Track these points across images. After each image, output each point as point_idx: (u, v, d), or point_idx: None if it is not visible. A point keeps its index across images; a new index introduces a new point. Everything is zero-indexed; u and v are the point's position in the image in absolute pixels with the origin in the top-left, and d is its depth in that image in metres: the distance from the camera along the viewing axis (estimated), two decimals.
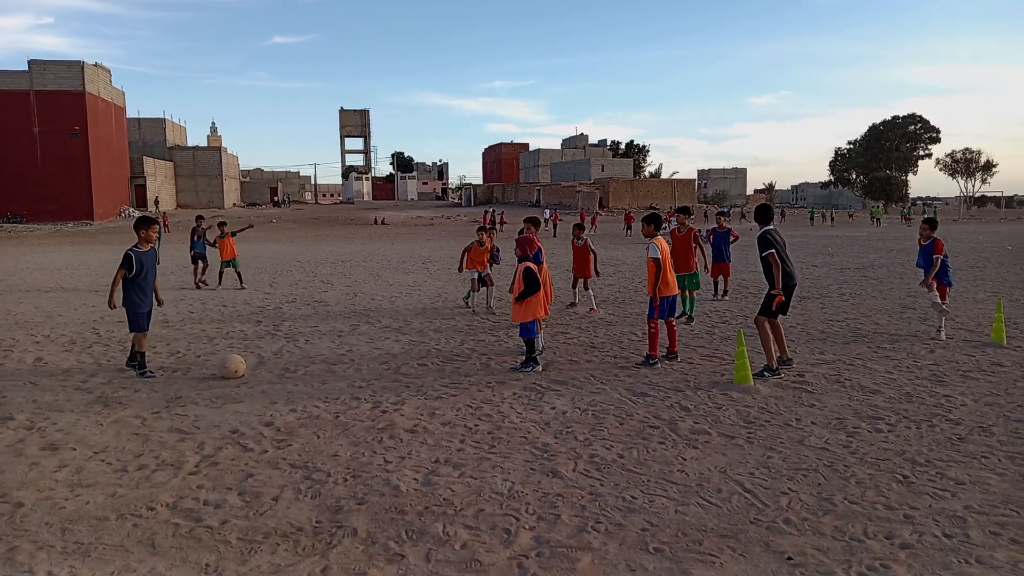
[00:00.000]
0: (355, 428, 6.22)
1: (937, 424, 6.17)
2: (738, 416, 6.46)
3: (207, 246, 17.30)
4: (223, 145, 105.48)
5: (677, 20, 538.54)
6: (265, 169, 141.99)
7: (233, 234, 16.87)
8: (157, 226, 8.26)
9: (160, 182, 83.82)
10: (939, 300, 9.96)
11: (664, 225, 9.56)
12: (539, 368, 8.18)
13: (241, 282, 16.63)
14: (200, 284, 16.93)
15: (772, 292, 7.70)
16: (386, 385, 7.66)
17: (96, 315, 12.72)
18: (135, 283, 8.01)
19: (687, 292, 11.59)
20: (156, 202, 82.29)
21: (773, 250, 7.64)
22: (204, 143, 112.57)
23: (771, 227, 7.93)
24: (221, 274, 16.77)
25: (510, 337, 10.26)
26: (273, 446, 5.78)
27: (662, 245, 8.44)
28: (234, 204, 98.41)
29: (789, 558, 3.89)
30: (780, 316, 7.91)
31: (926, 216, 10.97)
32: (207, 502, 4.70)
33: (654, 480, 5.02)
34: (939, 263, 9.89)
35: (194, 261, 17.29)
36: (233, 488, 4.93)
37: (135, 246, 8.09)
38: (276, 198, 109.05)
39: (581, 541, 4.12)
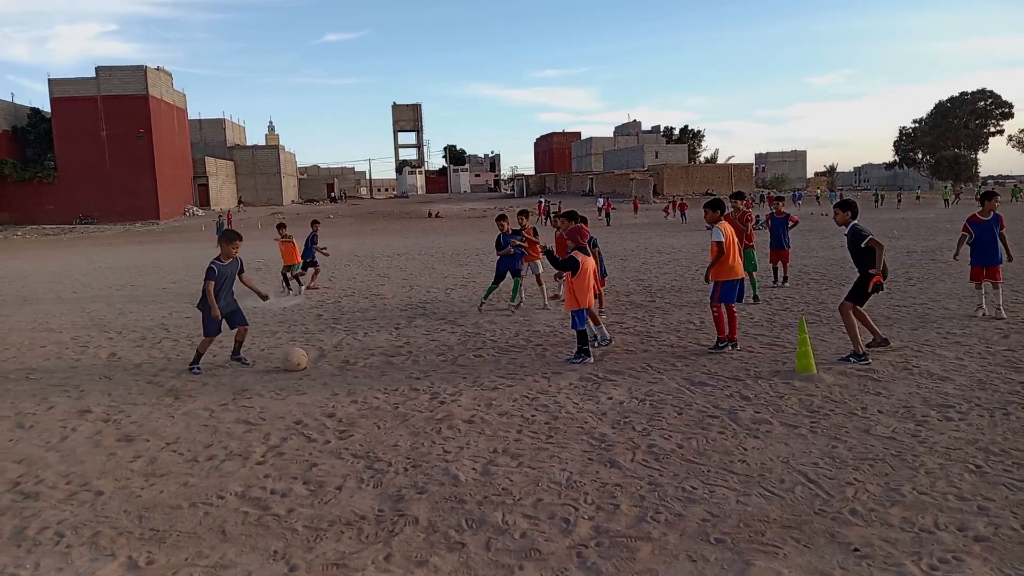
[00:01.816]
0: (414, 419, 6.32)
1: (1012, 412, 5.93)
2: (801, 405, 6.33)
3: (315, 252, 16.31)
4: (280, 143, 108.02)
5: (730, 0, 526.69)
6: (322, 166, 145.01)
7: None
8: (240, 243, 8.61)
9: (222, 181, 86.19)
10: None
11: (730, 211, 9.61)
12: (590, 360, 8.11)
13: (287, 287, 15.65)
14: (311, 288, 15.96)
15: (871, 272, 7.66)
16: (443, 376, 7.75)
17: (164, 311, 13.20)
18: (216, 291, 8.35)
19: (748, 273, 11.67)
20: (240, 201, 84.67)
21: (872, 235, 7.73)
22: (262, 142, 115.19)
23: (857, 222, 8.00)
24: (288, 279, 15.77)
25: (564, 327, 10.24)
26: (336, 436, 5.92)
27: (726, 229, 8.47)
28: (292, 201, 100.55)
29: (856, 549, 3.80)
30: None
31: (986, 191, 10.60)
32: (274, 491, 4.84)
33: (714, 470, 4.96)
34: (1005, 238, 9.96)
35: (304, 268, 15.94)
36: (298, 477, 5.07)
37: (217, 258, 8.40)
38: (333, 194, 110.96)
39: (641, 531, 4.11)
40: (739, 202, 12.46)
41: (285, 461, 5.41)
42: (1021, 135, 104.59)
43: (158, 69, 68.69)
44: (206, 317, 8.40)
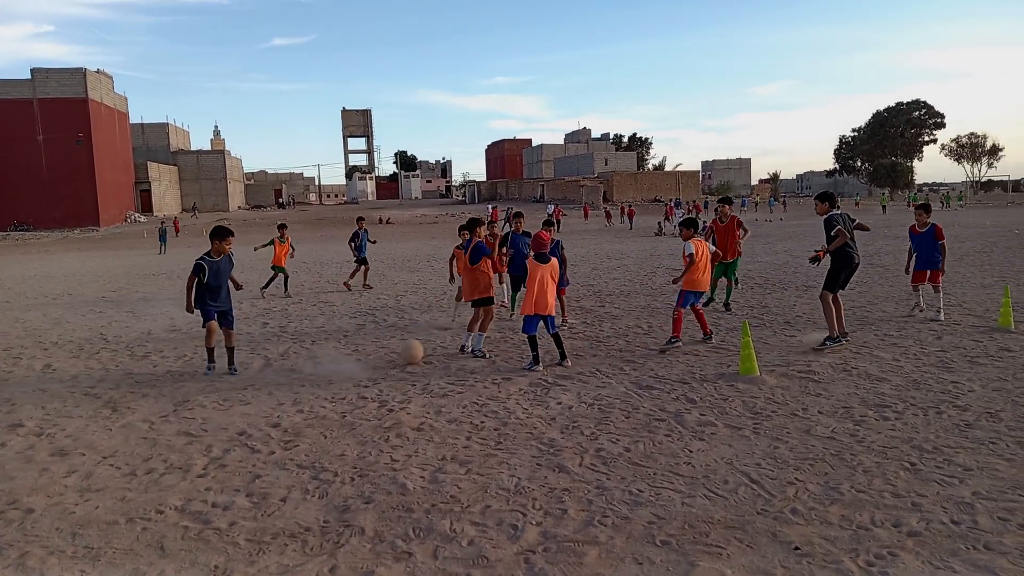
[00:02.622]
0: (362, 427, 6.24)
1: (944, 411, 6.15)
2: (744, 407, 6.45)
3: (368, 246, 16.51)
4: (226, 148, 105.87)
5: (676, 10, 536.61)
6: (269, 171, 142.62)
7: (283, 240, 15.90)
8: (232, 239, 8.42)
9: (165, 187, 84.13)
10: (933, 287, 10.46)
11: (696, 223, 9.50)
12: (539, 368, 8.09)
13: (266, 288, 15.69)
14: (366, 287, 16.14)
15: (816, 250, 8.58)
16: (392, 384, 7.68)
17: (103, 321, 12.79)
18: (207, 287, 8.17)
19: (727, 281, 11.90)
20: (194, 207, 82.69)
21: (841, 227, 8.44)
22: (208, 147, 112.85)
23: (838, 211, 8.70)
24: (273, 279, 15.76)
25: (515, 334, 10.26)
26: (280, 447, 5.80)
27: (698, 245, 8.95)
28: (239, 207, 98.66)
29: (796, 548, 3.89)
30: (839, 291, 8.65)
31: (920, 202, 11.15)
32: (215, 504, 4.72)
33: (660, 473, 5.02)
34: (945, 249, 10.35)
35: (359, 264, 16.25)
36: (241, 490, 4.95)
37: (207, 254, 8.20)
38: (281, 200, 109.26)
39: (588, 535, 4.13)
40: (727, 207, 11.96)
41: (227, 473, 5.28)
42: (952, 144, 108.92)
43: (98, 72, 66.67)
44: (202, 311, 8.26)
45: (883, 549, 3.85)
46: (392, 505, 4.61)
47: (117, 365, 9.09)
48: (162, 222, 44.75)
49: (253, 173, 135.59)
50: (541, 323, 8.15)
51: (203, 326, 8.42)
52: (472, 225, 9.81)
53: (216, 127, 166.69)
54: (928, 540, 3.93)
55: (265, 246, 16.81)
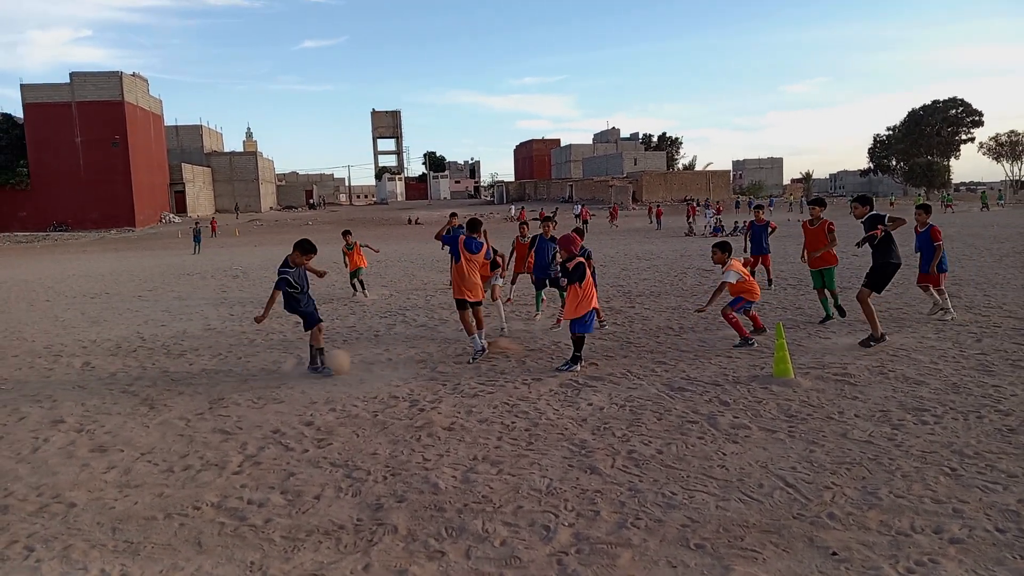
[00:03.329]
0: (394, 427, 6.27)
1: (986, 415, 6.01)
2: (779, 410, 6.37)
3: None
4: (258, 150, 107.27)
5: (704, 8, 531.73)
6: (300, 172, 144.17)
7: (363, 245, 15.87)
8: (314, 256, 8.40)
9: (199, 188, 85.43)
10: (937, 292, 10.34)
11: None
12: (578, 368, 8.07)
13: (364, 290, 15.30)
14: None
15: (871, 233, 8.51)
16: (423, 384, 7.71)
17: (140, 320, 13.03)
18: (295, 297, 8.33)
19: (825, 293, 10.51)
20: (236, 208, 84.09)
21: (881, 225, 8.49)
22: (240, 148, 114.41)
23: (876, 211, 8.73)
24: (357, 283, 15.43)
25: (545, 335, 10.25)
26: (314, 445, 5.86)
27: (738, 267, 8.97)
28: (271, 208, 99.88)
29: (834, 553, 3.83)
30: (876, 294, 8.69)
31: (921, 202, 10.77)
32: (251, 501, 4.78)
33: (694, 476, 4.97)
34: (940, 251, 10.26)
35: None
36: (276, 487, 5.01)
37: (286, 264, 8.25)
38: (311, 201, 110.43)
39: (621, 537, 4.10)
40: (818, 209, 11.06)
41: (262, 470, 5.34)
42: (991, 142, 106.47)
43: (134, 75, 67.94)
44: (300, 314, 8.45)
45: (924, 556, 3.77)
46: (424, 504, 4.63)
47: (154, 363, 9.25)
48: (196, 222, 45.47)
49: (284, 174, 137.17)
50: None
51: (306, 330, 8.54)
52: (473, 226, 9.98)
53: (248, 129, 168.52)
54: (971, 548, 3.84)
55: (345, 262, 16.05)
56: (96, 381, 8.35)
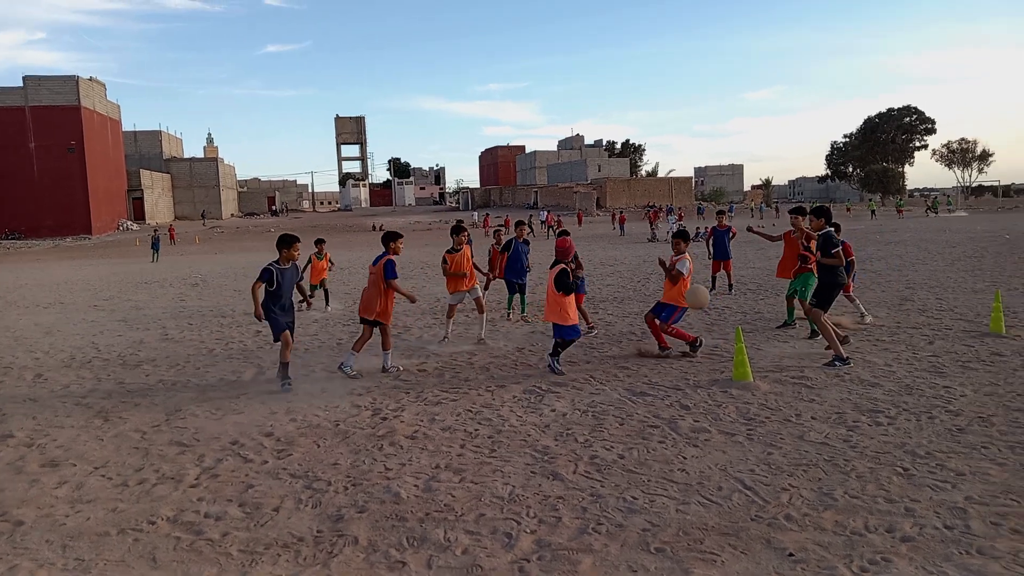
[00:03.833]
0: (355, 436, 6.22)
1: (937, 416, 6.17)
2: (738, 413, 6.46)
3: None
4: (219, 156, 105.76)
5: (669, 16, 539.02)
6: (262, 179, 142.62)
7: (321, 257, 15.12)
8: (299, 245, 7.99)
9: (158, 195, 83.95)
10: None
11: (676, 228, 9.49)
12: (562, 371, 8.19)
13: (328, 302, 14.80)
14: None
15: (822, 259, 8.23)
16: (386, 392, 7.66)
17: (95, 330, 12.73)
18: (273, 295, 7.85)
19: (794, 301, 10.26)
20: (203, 215, 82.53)
21: (840, 247, 8.26)
22: (200, 154, 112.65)
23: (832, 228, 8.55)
24: (322, 293, 14.88)
25: (508, 340, 10.26)
26: (273, 456, 5.78)
27: (689, 263, 8.91)
28: (232, 215, 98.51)
29: (790, 554, 3.89)
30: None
31: (816, 206, 10.24)
32: (208, 514, 4.69)
33: (655, 480, 5.01)
34: (854, 266, 10.46)
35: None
36: (234, 500, 4.92)
37: (275, 262, 7.95)
38: (274, 207, 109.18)
39: (582, 543, 4.12)
40: (800, 218, 10.29)
41: (220, 483, 5.25)
42: (943, 149, 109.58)
43: (91, 79, 66.55)
44: (271, 321, 7.90)
45: (877, 555, 3.85)
46: (386, 514, 4.59)
47: (109, 375, 9.04)
48: (155, 230, 44.62)
49: (246, 180, 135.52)
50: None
51: (274, 340, 8.07)
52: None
53: (209, 134, 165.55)
54: (922, 545, 3.93)
55: (306, 267, 15.05)
56: (48, 394, 8.13)
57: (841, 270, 8.27)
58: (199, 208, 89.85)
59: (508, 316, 12.11)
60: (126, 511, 4.78)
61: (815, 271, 9.24)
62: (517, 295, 12.12)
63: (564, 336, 8.18)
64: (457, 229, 10.54)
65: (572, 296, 8.16)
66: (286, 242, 8.00)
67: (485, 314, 10.53)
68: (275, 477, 5.32)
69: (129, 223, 71.71)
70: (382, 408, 7.03)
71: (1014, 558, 3.76)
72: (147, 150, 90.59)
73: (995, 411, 6.22)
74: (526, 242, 11.97)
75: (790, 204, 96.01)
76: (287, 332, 7.89)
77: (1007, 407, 6.32)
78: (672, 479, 5.01)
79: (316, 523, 4.50)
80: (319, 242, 15.66)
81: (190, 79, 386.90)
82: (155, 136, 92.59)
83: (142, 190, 77.70)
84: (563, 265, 8.20)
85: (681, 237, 9.25)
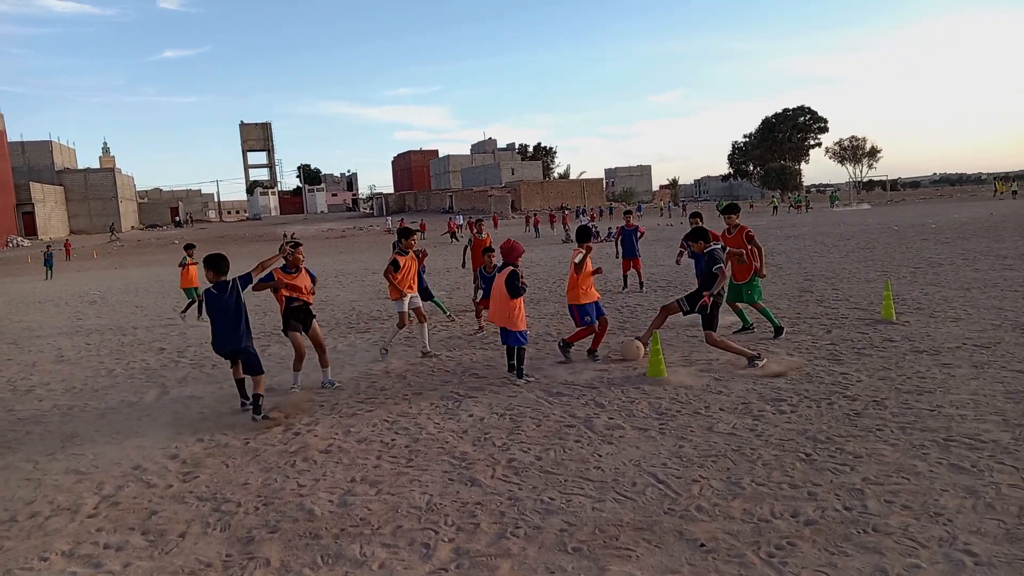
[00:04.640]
0: (266, 453, 6.02)
1: (836, 401, 6.48)
2: (651, 408, 6.61)
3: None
4: (117, 166, 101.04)
5: (575, 22, 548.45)
6: (164, 189, 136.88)
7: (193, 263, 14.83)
8: (226, 268, 7.12)
9: (50, 208, 79.39)
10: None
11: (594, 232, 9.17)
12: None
13: (200, 313, 14.01)
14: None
15: (703, 292, 7.87)
16: (298, 406, 7.44)
17: None
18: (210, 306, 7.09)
19: (739, 306, 9.79)
20: (112, 228, 78.16)
21: (722, 265, 7.92)
22: (96, 165, 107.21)
23: (717, 245, 8.26)
24: (193, 304, 14.48)
25: (428, 349, 10.16)
26: (179, 479, 5.53)
27: (587, 258, 8.57)
28: (132, 227, 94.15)
29: (702, 545, 4.00)
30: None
31: (695, 228, 9.22)
32: (107, 545, 4.44)
33: (571, 479, 5.06)
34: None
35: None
36: (136, 528, 4.68)
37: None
38: (177, 218, 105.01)
39: (500, 548, 4.11)
40: (733, 217, 9.78)
41: (121, 511, 4.98)
42: (836, 147, 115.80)
43: None
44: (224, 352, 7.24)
45: (783, 540, 4.00)
46: (299, 533, 4.46)
47: None
48: (48, 245, 42.15)
49: (147, 191, 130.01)
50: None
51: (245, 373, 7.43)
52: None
53: (105, 144, 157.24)
54: (824, 528, 4.11)
55: (183, 265, 15.18)
56: None
57: (724, 288, 8.15)
58: (96, 221, 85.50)
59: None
60: (15, 549, 4.47)
61: (758, 272, 9.39)
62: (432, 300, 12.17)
63: (519, 343, 7.97)
64: (407, 232, 10.07)
65: (521, 299, 7.95)
66: (208, 263, 7.15)
67: (427, 324, 10.05)
68: (181, 501, 5.09)
69: (20, 239, 67.50)
70: (294, 423, 6.84)
71: (904, 532, 3.98)
72: (37, 161, 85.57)
73: (888, 394, 6.58)
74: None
75: (696, 202, 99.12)
76: (248, 372, 7.22)
77: (898, 390, 6.70)
78: (588, 477, 5.07)
79: (225, 547, 4.33)
80: (189, 247, 15.31)
81: (82, 87, 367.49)
82: (45, 147, 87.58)
83: (33, 204, 73.30)
84: (512, 267, 7.96)
85: (582, 235, 9.00)
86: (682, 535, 4.13)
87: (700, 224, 9.22)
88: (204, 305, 7.18)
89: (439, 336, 11.10)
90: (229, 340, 7.08)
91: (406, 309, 9.74)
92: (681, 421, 6.20)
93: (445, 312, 12.69)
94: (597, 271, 8.74)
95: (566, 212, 50.21)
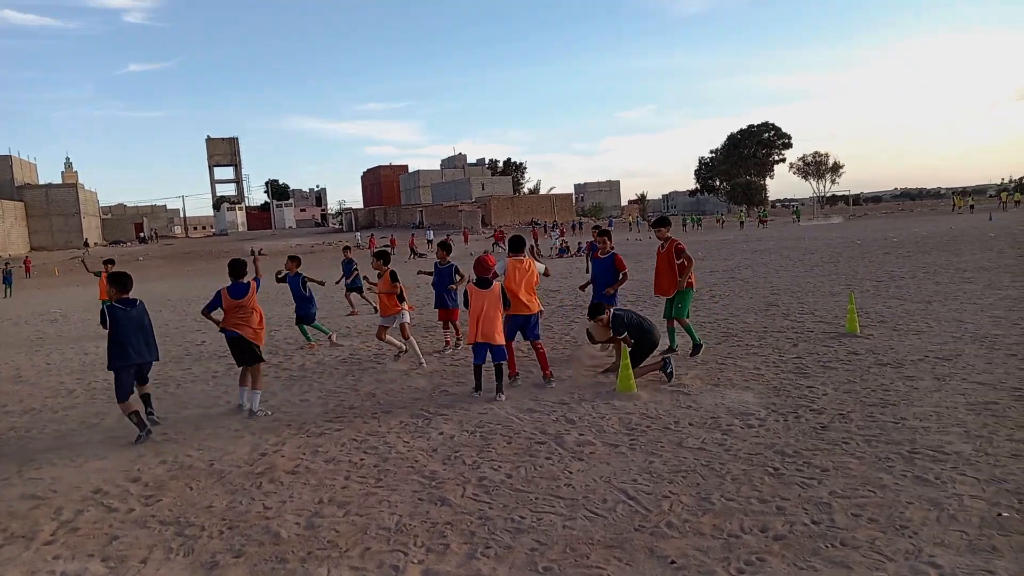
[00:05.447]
0: (232, 475, 5.90)
1: (802, 415, 6.55)
2: (621, 424, 6.61)
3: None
4: (79, 181, 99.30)
5: (544, 39, 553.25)
6: (128, 204, 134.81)
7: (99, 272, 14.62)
8: (129, 285, 7.29)
9: (10, 224, 77.66)
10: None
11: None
12: (477, 395, 8.00)
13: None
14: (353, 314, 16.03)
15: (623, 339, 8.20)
16: (265, 426, 7.33)
17: None
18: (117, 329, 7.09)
19: (674, 323, 9.49)
20: (86, 243, 76.54)
21: (627, 333, 8.17)
22: (58, 180, 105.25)
23: (622, 310, 8.52)
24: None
25: (396, 365, 10.08)
26: (141, 503, 5.39)
27: (508, 266, 8.46)
28: (95, 243, 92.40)
29: (672, 562, 3.99)
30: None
31: (601, 227, 9.34)
32: (65, 573, 4.31)
33: (542, 497, 5.04)
34: (625, 279, 9.80)
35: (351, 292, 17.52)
36: (96, 554, 4.55)
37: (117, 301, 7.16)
38: (142, 234, 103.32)
39: (471, 569, 4.07)
40: (664, 230, 9.69)
41: (80, 537, 4.84)
42: (799, 162, 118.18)
43: None
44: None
45: (752, 555, 4.02)
46: (265, 557, 4.37)
47: None
48: (6, 263, 41.16)
49: (111, 207, 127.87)
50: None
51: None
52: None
53: (68, 159, 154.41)
54: (792, 542, 4.14)
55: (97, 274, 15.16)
56: None
57: (645, 324, 8.30)
58: (58, 238, 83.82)
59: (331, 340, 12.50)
60: None
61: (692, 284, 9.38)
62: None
63: (504, 358, 8.03)
64: (383, 255, 10.55)
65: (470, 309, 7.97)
66: (111, 279, 7.31)
67: (412, 339, 10.02)
68: (143, 526, 4.96)
69: None
70: (261, 443, 6.72)
71: (871, 545, 4.02)
72: None
73: (853, 407, 6.67)
74: (450, 264, 11.50)
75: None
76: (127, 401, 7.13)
77: (863, 403, 6.80)
78: (559, 495, 5.05)
79: (188, 572, 4.22)
80: (107, 263, 15.57)
81: (43, 100, 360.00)
82: (5, 161, 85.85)
83: None
84: (497, 283, 8.01)
85: (511, 245, 8.76)
86: (653, 552, 4.12)
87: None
88: (105, 318, 7.11)
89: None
90: (145, 351, 7.27)
91: (387, 324, 10.07)
92: (651, 436, 6.21)
93: (319, 337, 12.65)
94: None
95: (535, 228, 50.33)
